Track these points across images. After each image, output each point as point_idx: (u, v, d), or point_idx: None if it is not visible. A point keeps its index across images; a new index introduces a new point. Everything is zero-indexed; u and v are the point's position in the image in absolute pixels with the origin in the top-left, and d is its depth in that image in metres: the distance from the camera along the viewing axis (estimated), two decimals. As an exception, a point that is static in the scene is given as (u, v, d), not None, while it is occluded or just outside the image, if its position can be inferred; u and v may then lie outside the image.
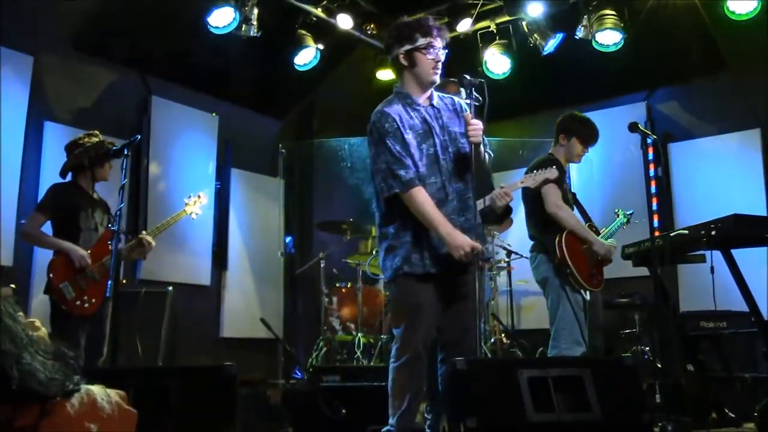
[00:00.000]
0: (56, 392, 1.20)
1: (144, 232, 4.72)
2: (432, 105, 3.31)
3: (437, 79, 3.25)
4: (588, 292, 4.25)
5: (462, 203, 3.18)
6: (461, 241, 3.04)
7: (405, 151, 3.14)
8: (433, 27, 3.23)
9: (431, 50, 3.21)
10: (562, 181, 4.29)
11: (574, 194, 4.56)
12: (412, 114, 3.23)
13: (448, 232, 3.06)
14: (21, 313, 1.27)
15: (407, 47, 3.23)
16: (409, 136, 3.18)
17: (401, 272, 3.15)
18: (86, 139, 4.45)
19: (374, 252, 6.28)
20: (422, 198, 3.10)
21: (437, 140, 3.22)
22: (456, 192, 3.19)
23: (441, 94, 3.39)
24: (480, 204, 3.35)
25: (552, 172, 3.67)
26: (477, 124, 3.16)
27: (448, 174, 3.20)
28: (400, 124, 3.18)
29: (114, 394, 1.31)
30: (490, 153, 3.41)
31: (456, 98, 3.38)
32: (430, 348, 3.25)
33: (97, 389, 1.29)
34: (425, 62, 3.22)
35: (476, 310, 3.16)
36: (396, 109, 3.23)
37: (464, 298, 3.16)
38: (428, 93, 3.31)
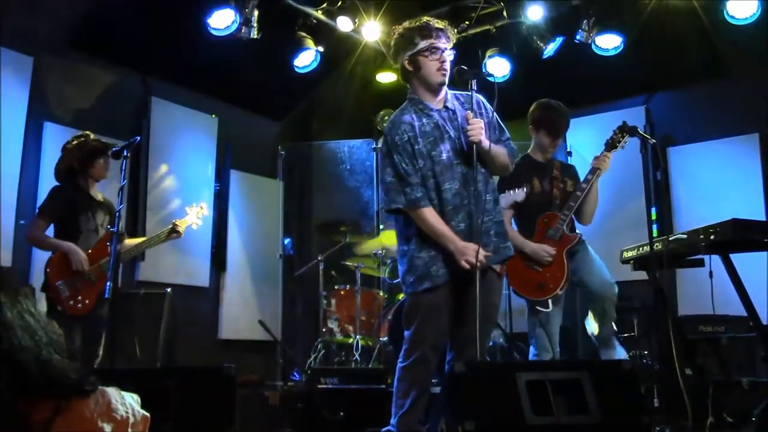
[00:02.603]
0: (72, 390, 1.22)
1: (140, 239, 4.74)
2: (446, 107, 3.29)
3: (445, 80, 3.23)
4: (549, 301, 4.18)
5: (478, 206, 3.15)
6: (465, 252, 3.07)
7: (412, 167, 3.15)
8: (433, 28, 3.23)
9: (434, 51, 3.20)
10: (528, 177, 4.31)
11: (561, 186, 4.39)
12: (424, 120, 3.22)
13: (454, 245, 3.10)
14: (40, 312, 1.29)
15: (410, 52, 3.24)
16: (420, 145, 3.17)
17: (411, 291, 3.20)
18: (74, 142, 4.45)
19: (375, 254, 6.28)
20: (427, 217, 3.13)
21: (449, 145, 3.20)
22: (472, 195, 3.16)
23: (457, 92, 3.37)
24: None
25: (519, 195, 3.99)
26: (476, 123, 3.15)
27: (462, 178, 3.18)
28: (410, 135, 3.18)
29: (128, 397, 1.33)
30: (513, 147, 3.42)
31: (475, 95, 3.34)
32: (442, 350, 3.26)
33: (112, 391, 1.30)
34: (429, 65, 3.21)
35: (488, 315, 3.19)
36: (408, 118, 3.23)
37: (476, 302, 3.13)
38: (441, 95, 3.29)
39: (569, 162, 4.61)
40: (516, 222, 4.38)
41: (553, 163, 4.43)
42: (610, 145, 4.24)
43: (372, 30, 6.30)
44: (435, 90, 3.27)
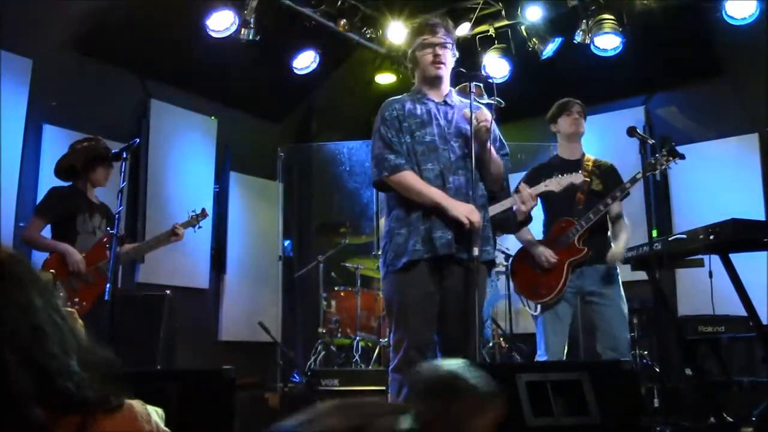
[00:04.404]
0: (99, 405, 1.12)
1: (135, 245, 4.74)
2: (445, 101, 3.34)
3: (440, 73, 3.28)
4: (538, 306, 4.12)
5: (461, 197, 3.15)
6: (464, 207, 3.06)
7: (397, 138, 3.19)
8: (426, 24, 3.33)
9: (427, 46, 3.28)
10: (549, 174, 4.22)
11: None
12: (417, 105, 3.29)
13: (448, 200, 3.08)
14: (60, 302, 1.21)
15: (410, 50, 3.38)
16: (407, 123, 3.22)
17: (391, 269, 3.15)
18: (84, 143, 4.46)
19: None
20: (412, 178, 3.13)
21: (436, 130, 3.23)
22: (455, 184, 3.18)
23: (464, 99, 3.40)
24: (499, 207, 3.38)
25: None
26: (484, 114, 3.19)
27: (448, 164, 3.19)
28: (400, 112, 3.23)
29: (153, 413, 1.26)
30: (509, 164, 3.43)
31: (483, 105, 3.41)
32: (431, 351, 3.24)
33: (137, 405, 1.23)
34: (423, 59, 3.30)
35: (476, 316, 3.14)
36: (401, 99, 3.32)
37: (463, 303, 3.10)
38: (441, 91, 3.34)
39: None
40: (544, 217, 4.33)
41: (584, 162, 4.27)
42: (650, 167, 4.08)
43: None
44: (433, 83, 3.33)
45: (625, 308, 4.11)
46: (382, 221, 3.36)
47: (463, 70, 3.29)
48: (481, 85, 3.41)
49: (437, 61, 3.26)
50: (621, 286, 4.14)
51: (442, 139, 3.22)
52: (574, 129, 4.29)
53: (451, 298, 3.13)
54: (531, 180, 4.27)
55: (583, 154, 4.34)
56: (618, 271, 4.18)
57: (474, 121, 3.16)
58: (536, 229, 4.34)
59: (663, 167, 4.08)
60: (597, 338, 4.12)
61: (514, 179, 4.57)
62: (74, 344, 1.13)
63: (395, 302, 3.15)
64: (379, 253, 5.56)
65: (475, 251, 3.04)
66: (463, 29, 6.39)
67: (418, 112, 3.26)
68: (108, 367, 1.17)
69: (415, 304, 3.10)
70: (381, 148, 3.20)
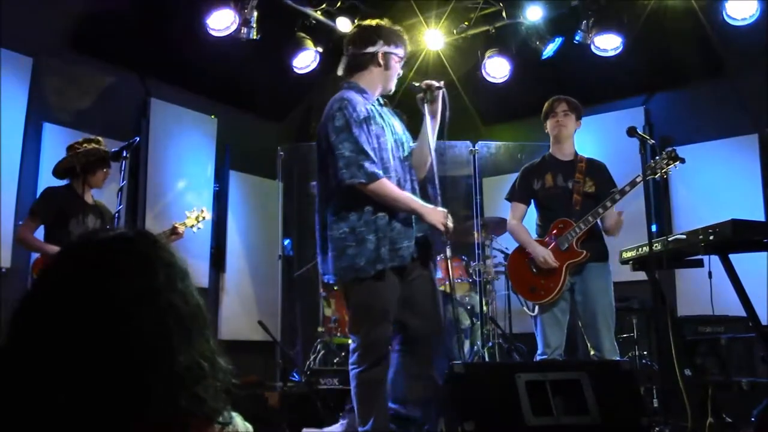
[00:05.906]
0: (218, 416, 1.07)
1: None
2: (380, 104, 3.41)
3: (392, 89, 3.41)
4: (536, 306, 4.13)
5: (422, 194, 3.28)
6: (439, 214, 3.13)
7: (368, 144, 3.13)
8: (406, 41, 3.41)
9: (400, 61, 3.38)
10: (542, 172, 4.28)
11: (572, 186, 4.23)
12: (371, 107, 3.28)
13: (424, 207, 3.15)
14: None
15: (387, 49, 3.33)
16: (372, 126, 3.20)
17: (363, 275, 3.07)
18: (84, 145, 4.45)
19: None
20: (390, 186, 3.12)
21: (392, 136, 3.28)
22: (411, 189, 3.26)
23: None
24: None
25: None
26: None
27: (400, 169, 3.25)
28: (365, 115, 3.19)
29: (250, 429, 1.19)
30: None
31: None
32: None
33: (240, 422, 1.18)
34: (395, 69, 3.37)
35: (435, 312, 3.23)
36: (358, 99, 3.25)
37: (427, 296, 3.22)
38: (377, 96, 3.40)
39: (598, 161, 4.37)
40: (537, 216, 4.34)
41: (577, 162, 4.28)
42: (651, 170, 4.07)
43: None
44: (383, 91, 3.39)
45: (612, 308, 4.12)
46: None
47: (416, 84, 3.30)
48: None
49: (396, 78, 3.39)
50: (611, 286, 4.16)
51: (397, 146, 3.29)
52: (555, 132, 4.30)
53: (416, 299, 3.18)
54: (523, 179, 4.32)
55: (576, 154, 4.34)
56: (611, 268, 4.20)
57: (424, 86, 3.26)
58: (530, 228, 4.36)
59: (663, 171, 4.06)
60: (584, 333, 4.16)
61: (512, 178, 4.58)
62: (211, 350, 1.08)
63: (372, 308, 3.11)
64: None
65: (448, 252, 3.20)
66: (464, 29, 6.40)
67: (375, 115, 3.24)
68: (229, 379, 1.12)
69: (390, 310, 3.12)
70: (355, 152, 3.08)
